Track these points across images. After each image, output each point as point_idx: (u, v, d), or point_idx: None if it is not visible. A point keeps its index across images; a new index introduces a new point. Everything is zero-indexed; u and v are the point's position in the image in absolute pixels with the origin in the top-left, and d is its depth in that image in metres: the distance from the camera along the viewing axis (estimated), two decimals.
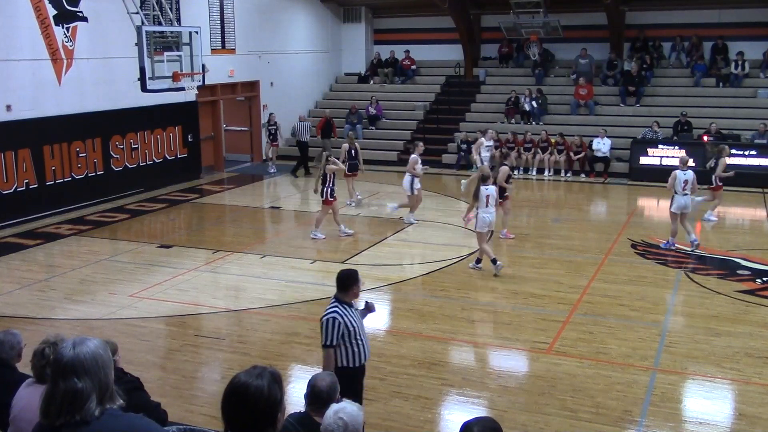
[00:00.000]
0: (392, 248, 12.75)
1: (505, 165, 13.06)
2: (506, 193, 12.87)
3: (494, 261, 10.99)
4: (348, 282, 5.81)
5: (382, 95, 23.62)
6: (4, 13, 13.95)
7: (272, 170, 20.25)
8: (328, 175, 12.94)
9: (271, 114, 20.65)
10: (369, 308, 6.12)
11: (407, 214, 14.31)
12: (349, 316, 5.72)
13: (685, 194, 12.27)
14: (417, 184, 14.12)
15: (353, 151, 15.86)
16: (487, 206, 11.04)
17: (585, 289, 10.40)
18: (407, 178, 14.09)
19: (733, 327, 8.97)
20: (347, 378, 5.66)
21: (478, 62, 24.23)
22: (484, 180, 11.22)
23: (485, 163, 16.48)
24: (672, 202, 12.39)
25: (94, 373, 2.63)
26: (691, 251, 12.22)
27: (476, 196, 11.13)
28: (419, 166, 14.13)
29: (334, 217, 13.34)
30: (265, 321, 9.34)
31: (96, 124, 16.00)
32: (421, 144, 14.90)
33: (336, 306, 5.75)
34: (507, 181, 12.81)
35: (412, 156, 14.28)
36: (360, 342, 5.77)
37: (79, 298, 10.25)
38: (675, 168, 12.78)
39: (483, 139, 17.45)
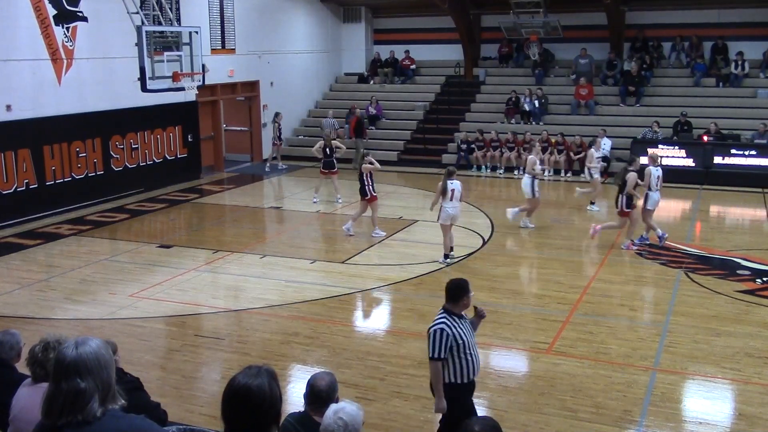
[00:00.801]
0: (392, 248, 12.75)
1: (632, 171, 12.33)
2: (633, 202, 12.27)
3: (446, 256, 11.62)
4: (458, 292, 5.53)
5: (382, 95, 23.62)
6: (4, 13, 13.94)
7: (283, 167, 20.61)
8: (365, 174, 13.09)
9: (278, 113, 20.80)
10: (480, 315, 5.80)
11: (524, 218, 13.90)
12: (459, 328, 5.43)
13: (658, 190, 12.52)
14: (537, 187, 13.78)
15: (327, 150, 15.90)
16: (451, 200, 11.36)
17: (585, 289, 10.40)
18: (527, 180, 13.72)
19: (733, 327, 8.96)
20: (454, 395, 5.43)
21: (478, 62, 24.23)
22: (449, 175, 11.51)
23: (596, 176, 15.66)
24: (646, 199, 12.57)
25: (96, 374, 2.63)
26: (640, 243, 12.64)
27: (443, 191, 11.36)
28: (539, 167, 13.93)
29: (357, 214, 13.44)
30: (265, 321, 9.34)
31: (96, 124, 16.00)
32: (538, 144, 14.64)
33: (444, 317, 5.47)
34: (635, 188, 12.15)
35: (530, 157, 13.99)
36: (469, 356, 5.47)
37: (79, 298, 10.25)
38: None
39: (593, 150, 16.05)
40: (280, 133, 20.73)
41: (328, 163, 15.93)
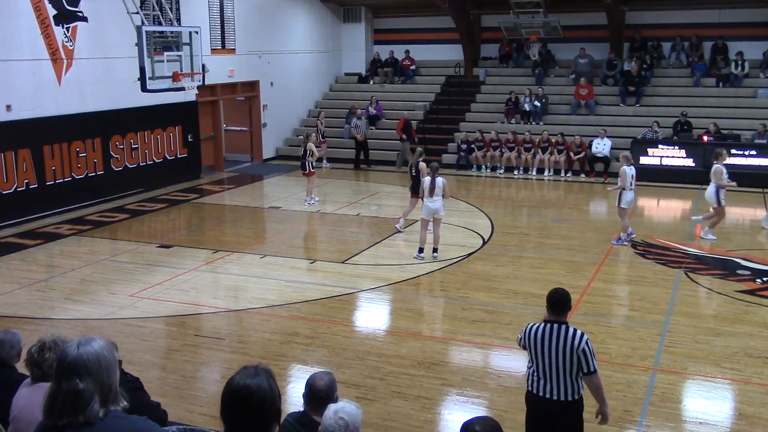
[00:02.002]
0: (392, 248, 12.75)
1: None
2: None
3: (421, 250, 11.88)
4: (568, 304, 5.30)
5: (382, 95, 23.61)
6: (4, 13, 13.94)
7: (326, 165, 21.07)
8: (422, 172, 13.26)
9: (321, 112, 21.66)
10: None
11: (706, 228, 13.26)
12: None
13: (632, 189, 12.64)
14: (723, 196, 13.22)
15: (302, 151, 16.30)
16: (432, 196, 11.68)
17: (585, 289, 10.40)
18: (712, 189, 13.16)
19: (733, 327, 8.97)
20: (580, 410, 5.27)
21: (478, 62, 24.22)
22: (435, 171, 11.85)
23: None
24: (620, 198, 12.62)
25: (96, 374, 2.61)
26: (626, 242, 12.73)
27: (432, 187, 11.74)
28: (726, 177, 13.19)
29: (407, 211, 13.58)
30: (265, 321, 9.34)
31: (96, 124, 16.00)
32: (725, 152, 13.99)
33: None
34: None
35: (716, 165, 13.26)
36: None
37: (79, 298, 10.25)
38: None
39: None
40: (323, 132, 21.19)
41: (302, 164, 16.37)
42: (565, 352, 5.12)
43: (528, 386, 5.39)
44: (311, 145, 16.24)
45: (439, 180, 11.78)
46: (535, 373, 5.29)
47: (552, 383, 5.19)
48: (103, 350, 2.67)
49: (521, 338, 5.45)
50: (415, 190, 13.30)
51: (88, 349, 2.64)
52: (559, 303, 5.27)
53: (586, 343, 5.12)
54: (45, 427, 2.69)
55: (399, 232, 13.53)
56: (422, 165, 13.27)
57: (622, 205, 12.65)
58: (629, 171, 12.63)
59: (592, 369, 5.12)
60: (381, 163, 21.27)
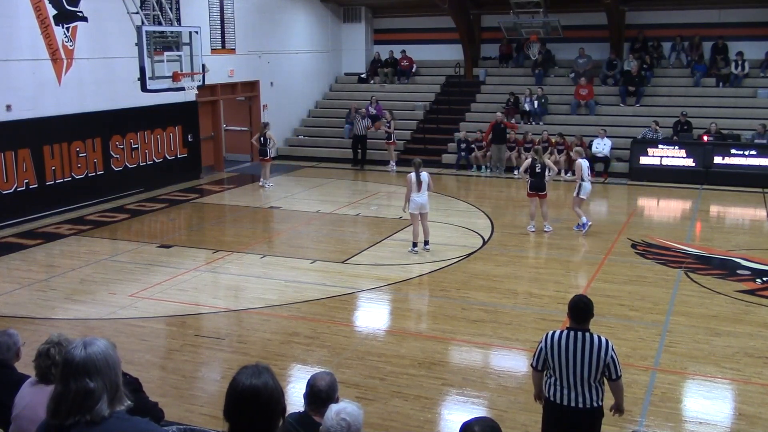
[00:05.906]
0: (392, 248, 12.75)
1: None
2: None
3: (414, 244, 12.18)
4: (591, 311, 5.26)
5: (382, 95, 23.60)
6: (4, 13, 13.94)
7: (393, 168, 20.80)
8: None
9: (392, 112, 21.43)
10: None
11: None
12: None
13: (589, 180, 13.40)
14: (582, 191, 13.50)
15: (262, 139, 17.75)
16: (419, 191, 11.95)
17: (585, 289, 10.40)
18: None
19: (733, 327, 8.97)
20: (602, 416, 5.24)
21: (478, 62, 24.22)
22: (418, 167, 12.11)
23: None
24: (579, 189, 13.30)
25: (105, 374, 2.65)
26: (581, 231, 13.38)
27: (419, 183, 12.03)
28: (586, 172, 13.50)
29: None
30: (265, 321, 9.34)
31: (96, 124, 15.99)
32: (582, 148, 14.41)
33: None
34: None
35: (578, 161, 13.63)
36: None
37: (79, 298, 10.25)
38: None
39: None
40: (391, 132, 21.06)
41: (262, 151, 17.83)
42: (591, 361, 5.07)
43: (549, 396, 5.25)
44: (270, 133, 17.62)
45: (424, 175, 12.05)
46: (558, 382, 5.18)
47: (576, 391, 5.12)
48: (108, 350, 2.71)
49: (540, 348, 5.26)
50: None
51: (95, 349, 2.68)
52: (581, 311, 5.20)
53: (613, 350, 5.10)
54: (49, 426, 2.70)
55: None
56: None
57: (581, 196, 13.30)
58: (584, 164, 13.36)
59: (619, 375, 5.12)
60: (381, 162, 21.25)
